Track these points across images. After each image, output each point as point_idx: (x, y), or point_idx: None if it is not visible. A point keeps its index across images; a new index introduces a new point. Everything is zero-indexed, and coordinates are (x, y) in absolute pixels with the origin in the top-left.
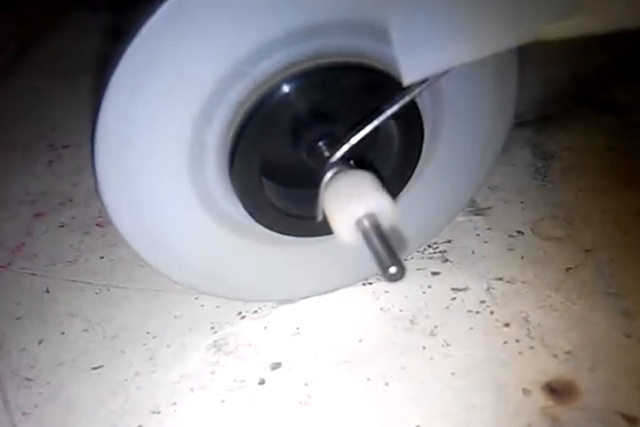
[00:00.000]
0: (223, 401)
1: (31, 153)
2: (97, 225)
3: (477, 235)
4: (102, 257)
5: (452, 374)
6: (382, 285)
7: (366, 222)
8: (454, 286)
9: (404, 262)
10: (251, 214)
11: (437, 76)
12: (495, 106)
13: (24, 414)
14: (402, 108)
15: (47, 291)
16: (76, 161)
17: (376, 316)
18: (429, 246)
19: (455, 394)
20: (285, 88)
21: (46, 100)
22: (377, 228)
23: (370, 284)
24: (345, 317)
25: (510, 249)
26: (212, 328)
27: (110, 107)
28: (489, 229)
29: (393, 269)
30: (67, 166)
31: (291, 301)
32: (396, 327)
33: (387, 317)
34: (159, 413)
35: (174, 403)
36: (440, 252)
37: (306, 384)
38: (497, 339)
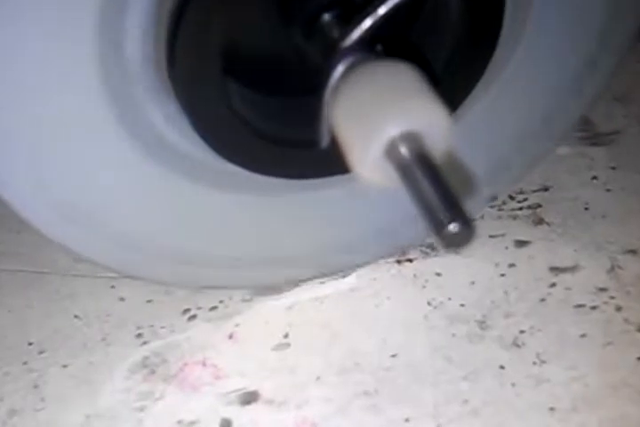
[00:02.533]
0: None
1: None
2: None
3: (594, 178)
4: None
5: (551, 410)
6: (431, 262)
7: (406, 149)
8: (554, 265)
9: (472, 221)
10: (209, 142)
11: None
12: None
13: None
14: None
15: None
16: None
17: (421, 315)
18: (511, 198)
19: None
20: None
21: None
22: (424, 159)
23: (409, 261)
24: (365, 316)
25: None
26: (140, 336)
27: None
28: (613, 168)
29: (453, 228)
30: None
31: (275, 289)
32: (456, 335)
33: (439, 316)
34: None
35: None
36: (530, 207)
37: None
38: (628, 353)
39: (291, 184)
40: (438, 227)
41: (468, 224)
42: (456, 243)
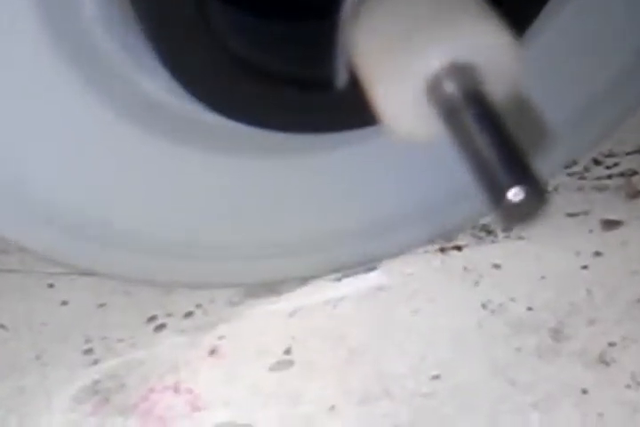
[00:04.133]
0: None
1: None
2: None
3: None
4: None
5: None
6: (487, 250)
7: (454, 87)
8: None
9: (544, 189)
10: (184, 83)
11: None
12: None
13: None
14: None
15: None
16: None
17: (473, 322)
18: (597, 163)
19: None
20: None
21: None
22: (479, 101)
23: (457, 249)
24: (397, 325)
25: None
26: (89, 353)
27: None
28: None
29: (516, 195)
30: None
31: (273, 288)
32: (522, 350)
33: (498, 324)
34: None
35: None
36: (622, 174)
37: None
38: None
39: (296, 142)
40: (496, 194)
41: (537, 191)
42: (520, 218)
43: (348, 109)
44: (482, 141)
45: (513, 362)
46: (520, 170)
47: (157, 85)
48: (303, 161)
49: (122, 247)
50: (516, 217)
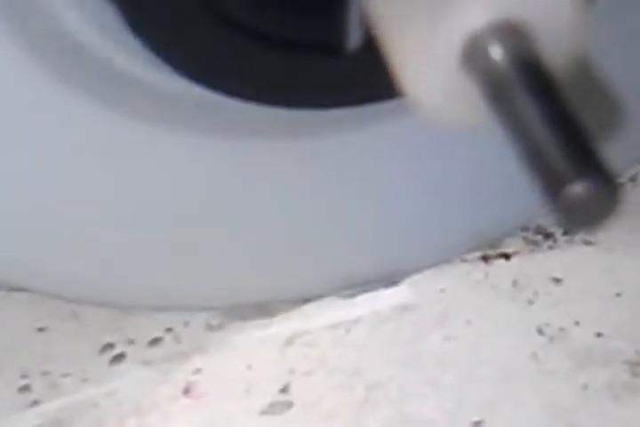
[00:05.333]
0: None
1: None
2: None
3: None
4: None
5: None
6: (543, 259)
7: (500, 51)
8: None
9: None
10: (161, 51)
11: None
12: None
13: None
14: None
15: None
16: None
17: (526, 352)
18: None
19: None
20: None
21: None
22: (533, 69)
23: (505, 257)
24: (427, 356)
25: None
26: (26, 391)
27: None
28: None
29: (579, 189)
30: None
31: (264, 308)
32: (589, 387)
33: (557, 354)
34: None
35: None
36: None
37: None
38: None
39: (298, 122)
40: (555, 189)
41: (606, 184)
42: (585, 218)
43: (361, 80)
44: (536, 122)
45: (578, 404)
46: (584, 158)
47: (125, 52)
48: (305, 145)
49: (67, 257)
50: (581, 217)
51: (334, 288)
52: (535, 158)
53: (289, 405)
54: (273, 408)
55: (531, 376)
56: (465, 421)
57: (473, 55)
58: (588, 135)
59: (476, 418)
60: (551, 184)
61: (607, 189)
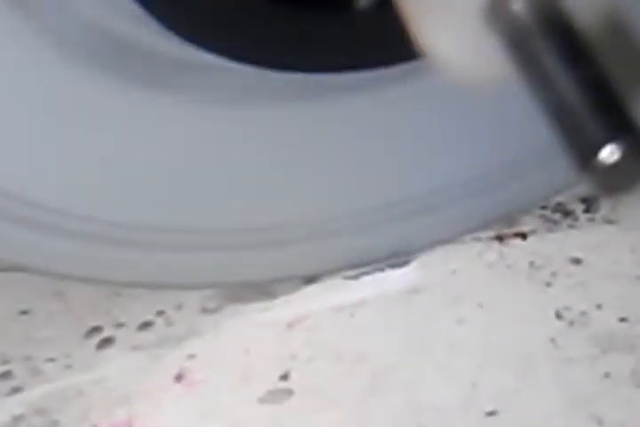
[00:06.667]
0: None
1: None
2: None
3: None
4: None
5: None
6: (563, 239)
7: (525, 4)
8: None
9: None
10: (156, 11)
11: None
12: None
13: None
14: None
15: None
16: None
17: (543, 337)
18: None
19: None
20: None
21: None
22: (560, 23)
23: (521, 236)
24: (437, 341)
25: None
26: (7, 378)
27: None
28: None
29: (611, 153)
30: None
31: (263, 290)
32: (612, 376)
33: (578, 340)
34: None
35: None
36: None
37: None
38: None
39: (305, 86)
40: (585, 154)
41: (638, 148)
42: (617, 185)
43: (373, 39)
44: (564, 82)
45: (599, 393)
46: (617, 121)
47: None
48: (311, 110)
49: (54, 232)
50: (614, 181)
51: (338, 268)
52: (563, 120)
53: (289, 393)
54: (272, 396)
55: (549, 363)
56: (478, 410)
57: (495, 10)
58: (619, 94)
59: (489, 408)
60: (581, 147)
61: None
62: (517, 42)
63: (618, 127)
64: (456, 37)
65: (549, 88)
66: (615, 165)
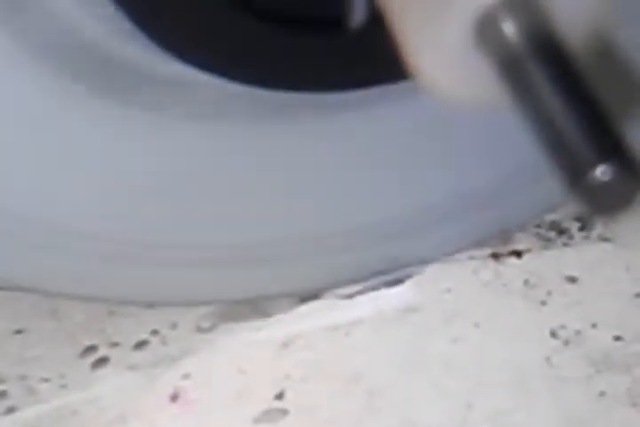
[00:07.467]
0: None
1: None
2: None
3: None
4: None
5: None
6: (558, 257)
7: (514, 27)
8: None
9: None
10: (146, 26)
11: None
12: None
13: None
14: None
15: None
16: None
17: (538, 357)
18: None
19: None
20: None
21: None
22: (550, 47)
23: (516, 255)
24: (432, 360)
25: None
26: (2, 397)
27: None
28: None
29: (602, 174)
30: None
31: (258, 308)
32: (607, 395)
33: (572, 359)
34: None
35: None
36: None
37: None
38: None
39: (296, 104)
40: (575, 175)
41: (630, 169)
42: (608, 205)
43: (365, 60)
44: (554, 103)
45: (595, 413)
46: (606, 140)
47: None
48: (305, 128)
49: (47, 248)
50: (603, 203)
51: (333, 286)
52: (554, 141)
53: (284, 412)
54: (267, 416)
55: (544, 383)
56: None
57: (486, 32)
58: (609, 115)
59: None
60: (572, 171)
61: (631, 173)
62: (508, 63)
63: (608, 148)
64: (446, 58)
65: (540, 109)
66: (605, 186)
